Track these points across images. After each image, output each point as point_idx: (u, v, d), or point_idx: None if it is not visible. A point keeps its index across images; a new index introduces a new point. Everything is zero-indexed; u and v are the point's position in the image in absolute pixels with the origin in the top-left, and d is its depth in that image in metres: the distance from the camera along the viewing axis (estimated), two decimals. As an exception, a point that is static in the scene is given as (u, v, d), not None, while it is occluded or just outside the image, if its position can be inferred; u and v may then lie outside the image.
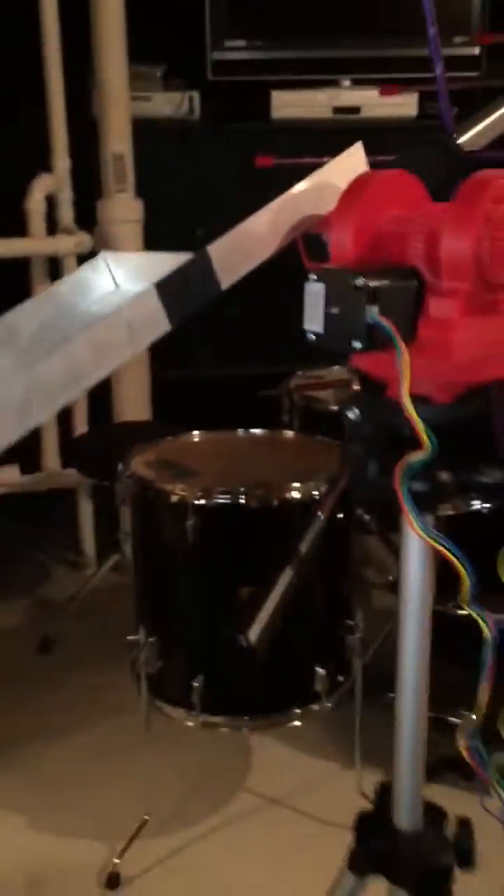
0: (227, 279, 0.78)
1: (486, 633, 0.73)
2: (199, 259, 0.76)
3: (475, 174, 0.74)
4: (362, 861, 0.96)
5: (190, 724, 2.28)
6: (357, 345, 0.73)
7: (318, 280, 0.74)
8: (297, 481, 2.15)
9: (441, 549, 0.74)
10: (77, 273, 0.89)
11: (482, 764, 0.79)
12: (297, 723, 2.26)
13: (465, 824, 0.93)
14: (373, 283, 0.72)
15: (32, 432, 0.72)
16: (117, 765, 2.27)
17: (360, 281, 0.72)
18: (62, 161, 2.98)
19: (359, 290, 0.72)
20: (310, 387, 2.70)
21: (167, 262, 0.76)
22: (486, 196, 0.73)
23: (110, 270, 0.88)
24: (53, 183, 2.99)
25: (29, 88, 2.91)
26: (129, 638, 2.21)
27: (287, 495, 2.14)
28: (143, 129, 3.06)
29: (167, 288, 0.74)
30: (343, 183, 0.84)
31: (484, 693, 0.75)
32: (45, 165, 2.97)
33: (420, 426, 0.73)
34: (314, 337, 0.76)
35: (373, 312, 0.72)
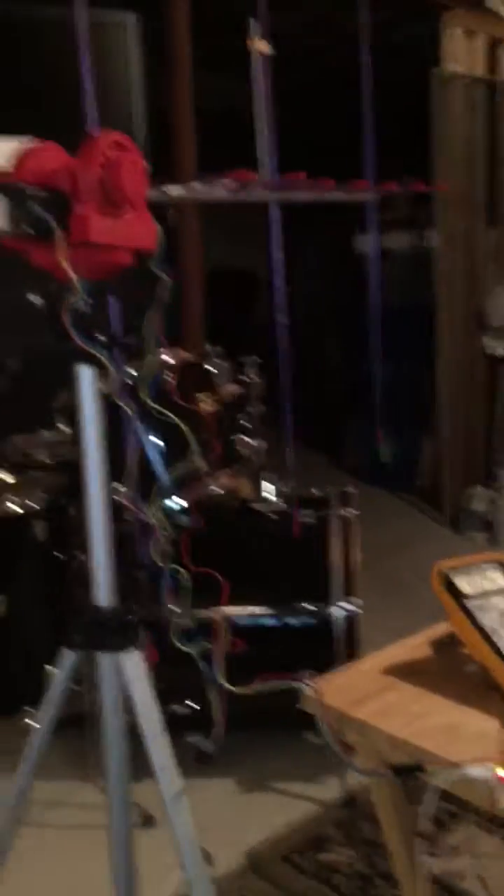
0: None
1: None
2: None
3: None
4: (75, 635, 1.32)
5: None
6: (28, 230, 1.17)
7: (3, 193, 1.18)
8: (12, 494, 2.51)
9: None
10: None
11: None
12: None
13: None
14: (32, 192, 1.17)
15: None
16: None
17: (28, 190, 1.17)
18: None
19: (27, 196, 1.16)
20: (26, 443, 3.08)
21: None
22: (102, 144, 1.22)
23: None
24: None
25: None
26: None
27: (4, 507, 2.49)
28: None
29: None
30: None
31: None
32: None
33: (65, 265, 1.17)
34: (5, 231, 1.19)
35: (37, 208, 1.16)
